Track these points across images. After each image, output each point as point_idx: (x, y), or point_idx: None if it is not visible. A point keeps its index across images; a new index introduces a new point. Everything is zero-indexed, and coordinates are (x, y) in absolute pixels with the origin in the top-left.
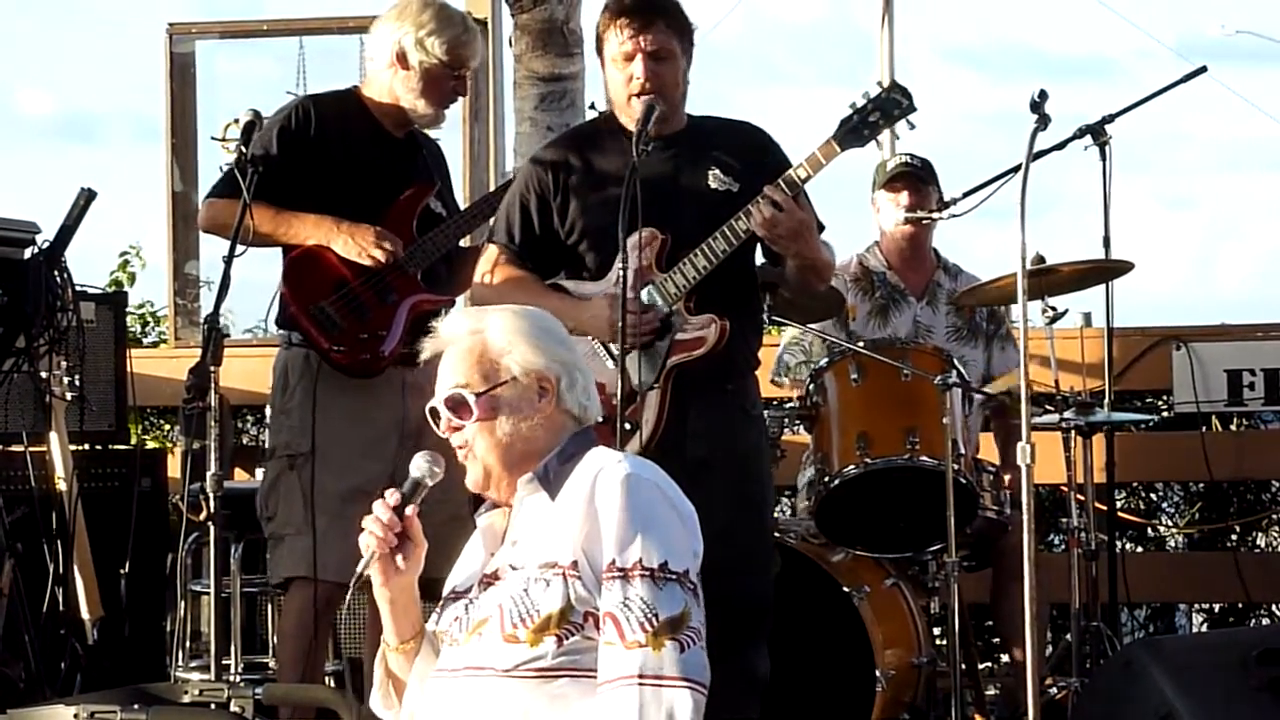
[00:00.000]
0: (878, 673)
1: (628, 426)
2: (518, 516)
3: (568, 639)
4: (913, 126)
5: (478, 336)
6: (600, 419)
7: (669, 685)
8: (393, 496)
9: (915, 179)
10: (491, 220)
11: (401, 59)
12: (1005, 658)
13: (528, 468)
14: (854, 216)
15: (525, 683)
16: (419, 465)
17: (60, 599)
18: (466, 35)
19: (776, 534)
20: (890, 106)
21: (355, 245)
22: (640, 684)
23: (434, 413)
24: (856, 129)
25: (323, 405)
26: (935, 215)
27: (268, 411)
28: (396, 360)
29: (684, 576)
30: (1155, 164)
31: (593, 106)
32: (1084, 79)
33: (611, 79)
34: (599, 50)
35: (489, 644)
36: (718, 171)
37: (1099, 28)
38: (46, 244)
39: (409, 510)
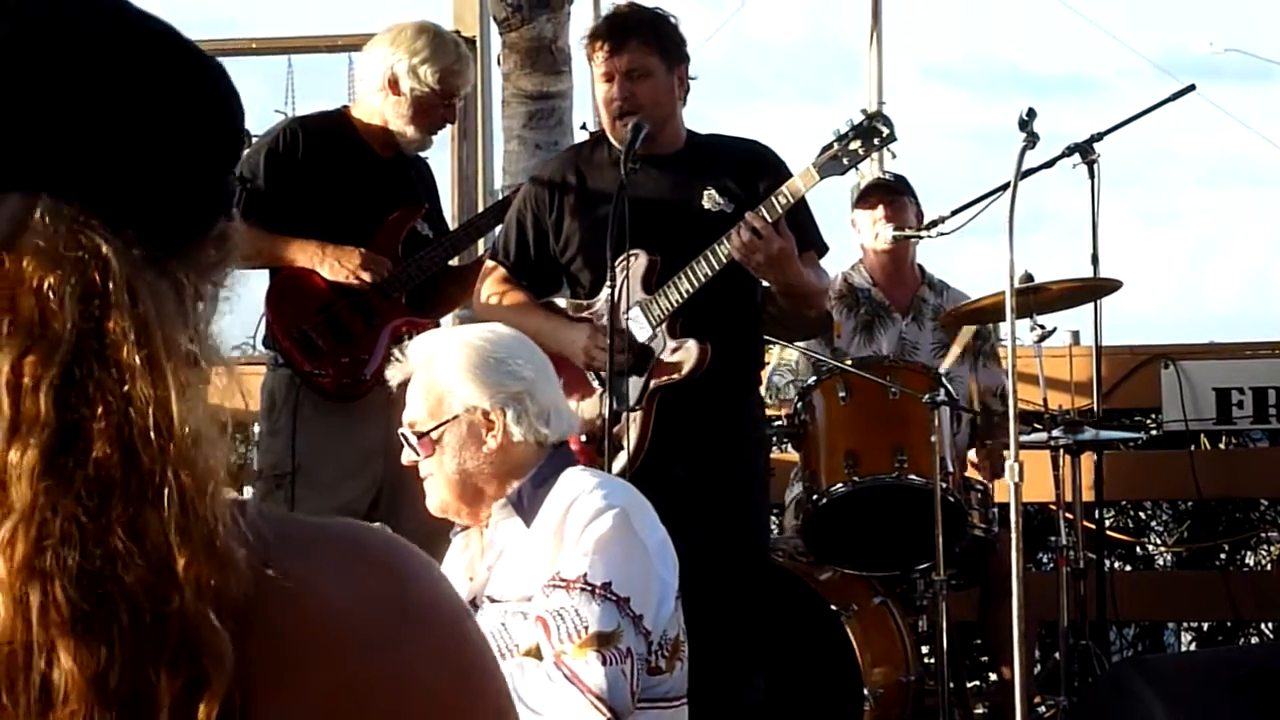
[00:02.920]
0: (866, 691)
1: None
2: (493, 542)
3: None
4: (894, 156)
5: (428, 369)
6: (580, 435)
7: (579, 689)
8: None
9: (888, 190)
10: (479, 241)
11: (393, 84)
12: (994, 676)
13: (484, 498)
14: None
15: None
16: None
17: None
18: (459, 64)
19: None
20: (871, 135)
21: (342, 268)
22: (557, 666)
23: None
24: (837, 157)
25: (306, 425)
26: (923, 234)
27: (255, 430)
28: (381, 380)
29: (625, 602)
30: (1140, 181)
31: (584, 127)
32: (1067, 96)
33: (596, 99)
34: (591, 70)
35: None
36: (713, 192)
37: (1082, 46)
38: None
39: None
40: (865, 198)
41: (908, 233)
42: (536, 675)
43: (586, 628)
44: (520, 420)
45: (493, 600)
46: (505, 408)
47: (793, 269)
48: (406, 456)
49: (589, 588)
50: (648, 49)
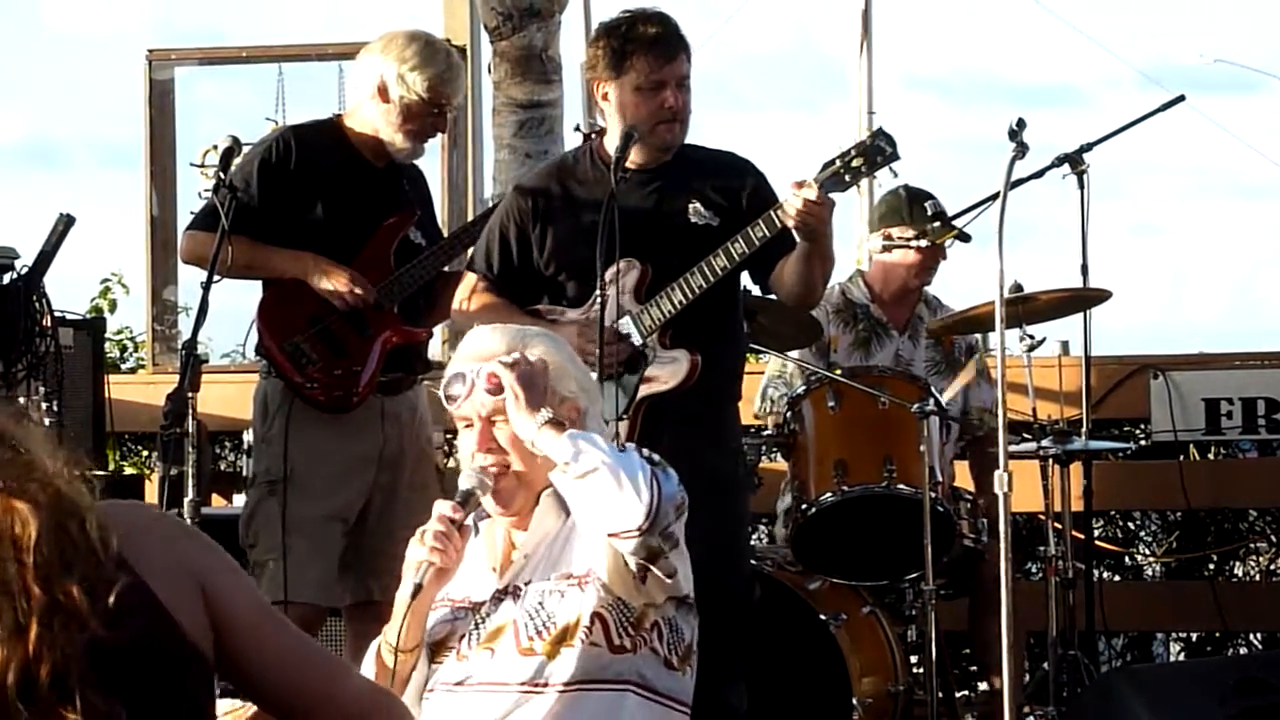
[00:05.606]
0: (854, 701)
1: None
2: (533, 532)
3: (578, 647)
4: (895, 174)
5: (516, 355)
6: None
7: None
8: (453, 510)
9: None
10: (469, 251)
11: (382, 92)
12: (983, 686)
13: (535, 491)
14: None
15: (543, 698)
16: (470, 477)
17: None
18: (449, 73)
19: (753, 561)
20: (874, 153)
21: (329, 283)
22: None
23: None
24: (839, 174)
25: (299, 432)
26: (913, 243)
27: (246, 437)
28: (376, 389)
29: (695, 606)
30: (1127, 192)
31: (577, 129)
32: (1049, 107)
33: (633, 106)
34: (614, 76)
35: (502, 658)
36: (699, 205)
37: (1064, 56)
38: (25, 269)
39: (466, 524)
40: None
41: (896, 241)
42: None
43: (685, 643)
44: (594, 420)
45: (529, 583)
46: (587, 407)
47: (831, 229)
48: (485, 443)
49: (684, 602)
50: (687, 58)
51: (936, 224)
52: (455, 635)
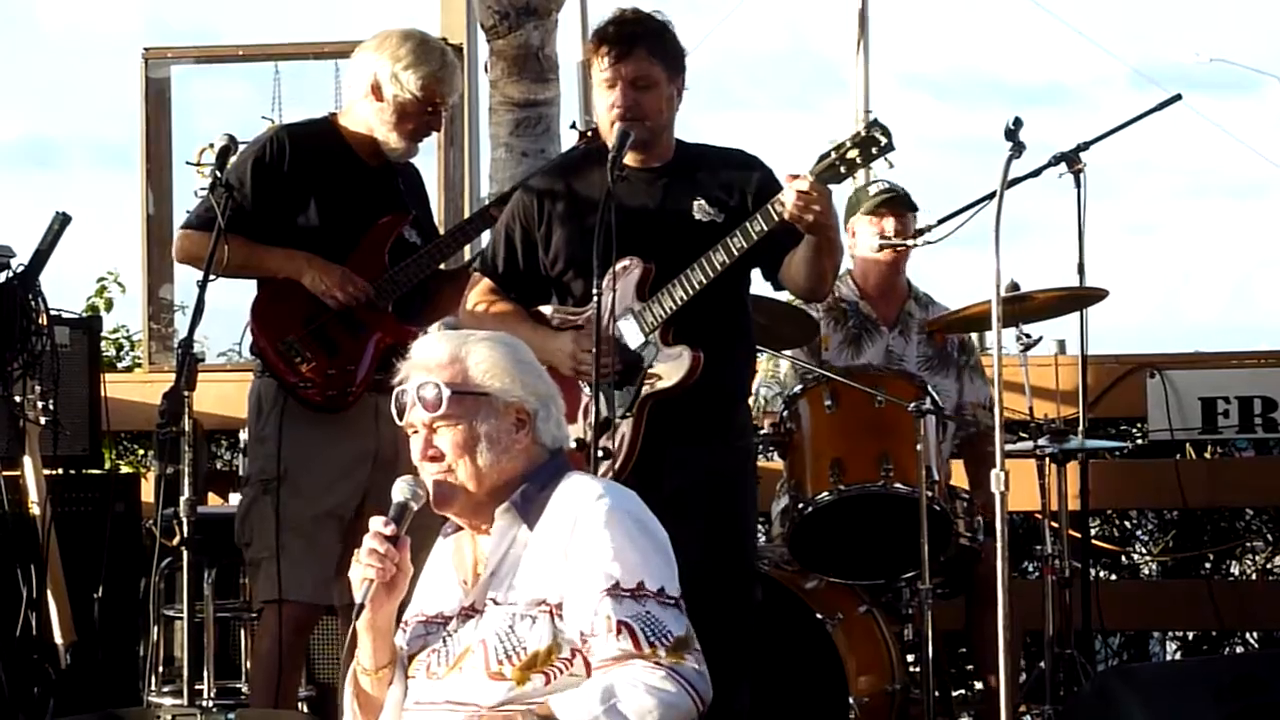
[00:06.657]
0: (851, 700)
1: (600, 454)
2: (495, 546)
3: (555, 678)
4: (891, 165)
5: (458, 366)
6: (573, 445)
7: (686, 688)
8: (386, 525)
9: (902, 206)
10: (465, 249)
11: (376, 90)
12: (979, 685)
13: (502, 497)
14: None
15: None
16: (402, 489)
17: (33, 623)
18: (444, 71)
19: None
20: (869, 145)
21: (321, 283)
22: (662, 666)
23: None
24: (834, 166)
25: (294, 431)
26: (910, 242)
27: (242, 436)
28: (370, 387)
29: (679, 601)
30: (1122, 191)
31: (573, 126)
32: (1045, 105)
33: (597, 105)
34: (588, 74)
35: (471, 679)
36: (704, 203)
37: (1060, 55)
38: (21, 268)
39: (403, 536)
40: (879, 208)
41: (894, 241)
42: (651, 675)
43: (670, 633)
44: (546, 422)
45: (496, 604)
46: (537, 409)
47: (834, 219)
48: (424, 443)
49: (649, 594)
50: (652, 59)
51: (912, 214)
52: (429, 650)
